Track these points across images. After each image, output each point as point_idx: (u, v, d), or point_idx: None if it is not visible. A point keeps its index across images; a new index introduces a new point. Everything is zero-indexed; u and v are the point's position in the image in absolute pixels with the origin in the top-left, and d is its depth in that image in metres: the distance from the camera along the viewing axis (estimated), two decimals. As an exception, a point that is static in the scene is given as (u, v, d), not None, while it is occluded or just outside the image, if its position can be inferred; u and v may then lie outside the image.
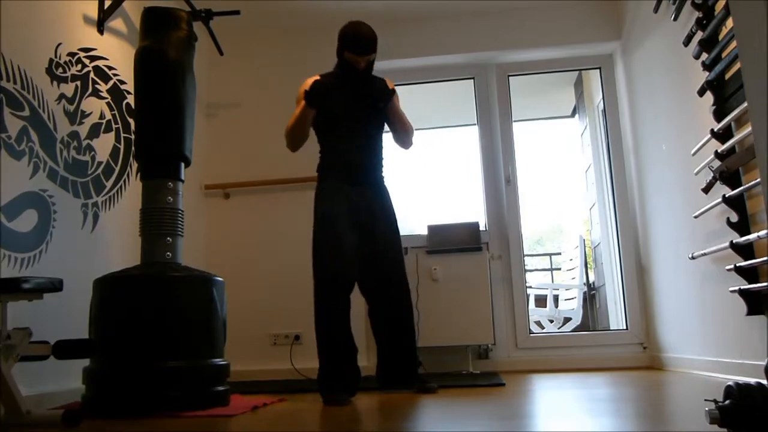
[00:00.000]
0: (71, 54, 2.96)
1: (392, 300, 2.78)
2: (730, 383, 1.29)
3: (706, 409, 1.29)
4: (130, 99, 3.36)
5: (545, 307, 5.53)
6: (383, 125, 2.94)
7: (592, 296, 5.87)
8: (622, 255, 4.19)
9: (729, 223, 2.63)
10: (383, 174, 2.94)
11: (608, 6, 4.26)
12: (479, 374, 3.55)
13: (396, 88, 2.97)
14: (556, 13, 4.30)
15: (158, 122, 2.63)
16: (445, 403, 2.44)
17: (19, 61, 2.58)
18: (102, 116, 3.16)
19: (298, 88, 4.43)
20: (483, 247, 3.96)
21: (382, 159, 2.95)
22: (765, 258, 2.38)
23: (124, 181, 3.29)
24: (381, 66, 4.46)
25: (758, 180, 2.40)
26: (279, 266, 4.18)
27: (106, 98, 3.22)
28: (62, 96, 2.86)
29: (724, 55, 2.67)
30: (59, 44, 2.88)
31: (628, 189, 4.20)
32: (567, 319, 5.45)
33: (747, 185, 2.53)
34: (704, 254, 2.90)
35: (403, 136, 2.93)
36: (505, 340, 4.03)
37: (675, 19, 3.15)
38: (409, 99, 3.06)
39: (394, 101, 2.87)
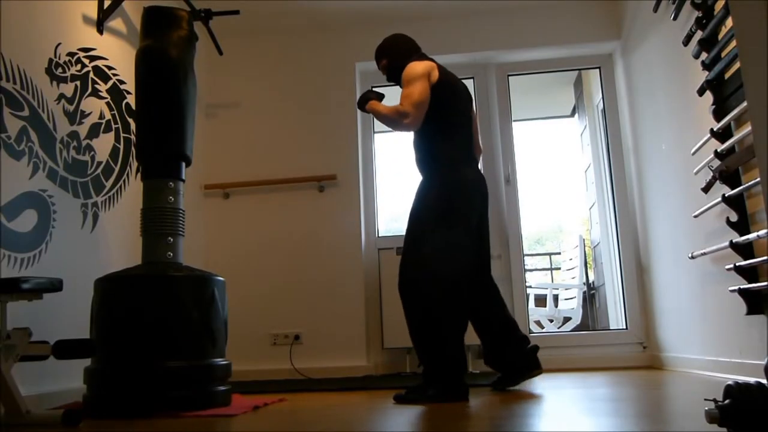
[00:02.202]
0: (71, 54, 2.96)
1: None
2: (729, 383, 1.29)
3: (706, 408, 1.29)
4: (130, 99, 3.36)
5: (545, 306, 5.53)
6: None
7: (591, 296, 5.87)
8: (621, 254, 4.19)
9: (729, 222, 2.64)
10: (429, 168, 2.75)
11: (608, 6, 4.26)
12: (479, 374, 3.55)
13: (378, 89, 2.87)
14: (555, 13, 4.30)
15: (160, 122, 2.63)
16: (444, 402, 2.44)
17: (18, 61, 2.58)
18: (102, 116, 3.16)
19: (297, 88, 4.46)
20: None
21: (423, 154, 2.79)
22: (764, 257, 2.38)
23: (124, 180, 3.29)
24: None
25: (758, 179, 2.40)
26: (279, 266, 4.18)
27: (106, 98, 3.22)
28: (62, 96, 2.86)
29: (723, 54, 2.67)
30: (59, 44, 2.88)
31: (628, 189, 4.20)
32: (567, 319, 5.45)
33: (746, 185, 2.53)
34: (704, 254, 2.90)
35: (394, 129, 2.79)
36: (505, 340, 4.02)
37: (674, 18, 3.15)
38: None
39: (370, 106, 2.77)
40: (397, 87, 2.87)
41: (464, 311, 2.66)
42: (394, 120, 2.66)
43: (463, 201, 2.68)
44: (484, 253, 2.83)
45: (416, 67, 2.71)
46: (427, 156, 2.78)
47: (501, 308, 2.84)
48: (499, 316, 2.82)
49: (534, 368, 2.76)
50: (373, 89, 2.87)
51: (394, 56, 2.89)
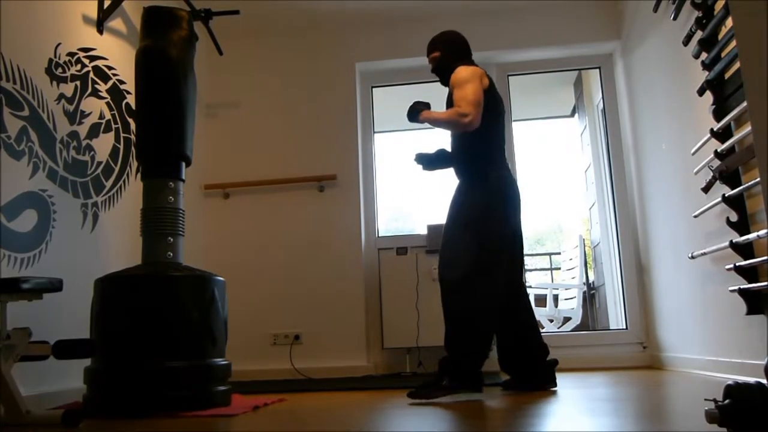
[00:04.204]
0: (71, 54, 2.96)
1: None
2: (729, 383, 1.29)
3: (706, 408, 1.29)
4: (130, 99, 3.36)
5: (545, 306, 5.53)
6: None
7: (591, 296, 5.87)
8: (621, 254, 4.19)
9: (729, 222, 2.64)
10: (470, 169, 2.81)
11: (608, 6, 4.26)
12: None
13: (425, 102, 2.83)
14: (555, 13, 4.30)
15: (159, 122, 2.63)
16: (444, 402, 2.44)
17: (18, 61, 2.58)
18: (101, 116, 3.16)
19: (297, 88, 4.46)
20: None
21: (464, 154, 2.83)
22: (765, 257, 2.38)
23: (124, 181, 3.29)
24: (380, 66, 4.49)
25: (758, 179, 2.40)
26: (279, 266, 4.18)
27: (106, 98, 3.22)
28: (62, 96, 2.86)
29: (723, 54, 2.67)
30: (59, 44, 2.88)
31: (628, 188, 4.20)
32: (567, 319, 5.45)
33: (746, 185, 2.53)
34: (704, 254, 2.90)
35: (455, 130, 2.80)
36: (505, 340, 4.02)
37: (674, 18, 3.15)
38: (408, 99, 3.02)
39: (424, 115, 2.76)
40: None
41: (498, 313, 2.67)
42: (455, 121, 2.67)
43: (503, 202, 2.74)
44: (519, 255, 2.86)
45: (467, 70, 2.75)
46: (470, 158, 2.82)
47: (528, 313, 2.85)
48: (524, 321, 2.83)
49: (549, 383, 2.76)
50: (419, 100, 2.84)
51: (449, 53, 2.90)
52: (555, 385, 2.76)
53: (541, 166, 11.20)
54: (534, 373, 2.78)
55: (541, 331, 5.22)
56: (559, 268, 6.88)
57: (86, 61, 3.08)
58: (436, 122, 2.77)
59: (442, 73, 2.90)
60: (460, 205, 2.78)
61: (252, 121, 4.43)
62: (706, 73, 2.80)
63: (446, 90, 2.89)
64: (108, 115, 3.22)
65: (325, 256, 4.17)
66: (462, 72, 2.75)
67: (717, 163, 2.72)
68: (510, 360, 2.82)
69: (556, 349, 3.99)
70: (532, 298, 5.49)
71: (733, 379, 1.41)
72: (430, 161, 2.93)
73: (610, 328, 4.65)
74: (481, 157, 2.79)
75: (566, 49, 4.38)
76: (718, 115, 2.73)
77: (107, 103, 3.22)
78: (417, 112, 2.79)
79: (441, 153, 2.91)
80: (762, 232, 2.36)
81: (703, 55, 2.83)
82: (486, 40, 4.36)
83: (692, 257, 3.03)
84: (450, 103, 2.80)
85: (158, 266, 2.50)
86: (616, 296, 4.47)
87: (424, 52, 3.02)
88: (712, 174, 2.75)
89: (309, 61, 4.47)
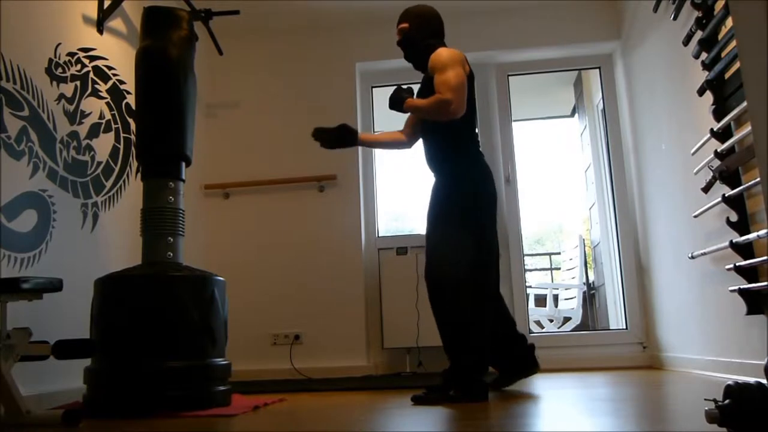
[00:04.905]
0: (71, 54, 2.96)
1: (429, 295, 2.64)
2: (729, 383, 1.29)
3: (706, 408, 1.29)
4: (130, 99, 3.36)
5: (545, 306, 5.53)
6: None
7: (591, 296, 5.87)
8: (621, 254, 4.19)
9: (729, 222, 2.64)
10: (450, 163, 2.66)
11: (608, 6, 4.26)
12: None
13: (409, 86, 2.72)
14: (555, 13, 4.30)
15: (159, 122, 2.63)
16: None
17: (18, 61, 2.58)
18: (102, 116, 3.16)
19: (297, 88, 4.46)
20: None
21: (443, 147, 2.69)
22: (764, 257, 2.38)
23: (124, 181, 3.29)
24: (380, 66, 4.49)
25: (758, 179, 2.40)
26: (279, 266, 4.18)
27: (106, 98, 3.22)
28: (62, 96, 2.86)
29: (723, 54, 2.67)
30: (59, 44, 2.88)
31: (628, 188, 4.20)
32: (567, 319, 5.45)
33: (746, 185, 2.53)
34: (704, 254, 2.90)
35: (438, 118, 2.58)
36: (505, 340, 4.02)
37: (674, 18, 3.15)
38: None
39: (408, 104, 2.61)
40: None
41: (491, 310, 2.62)
42: (437, 110, 2.51)
43: (486, 193, 2.65)
44: (497, 249, 2.76)
45: (448, 53, 2.58)
46: (452, 149, 2.68)
47: (502, 306, 2.82)
48: (501, 313, 2.80)
49: (533, 367, 2.77)
50: (401, 87, 2.69)
51: (419, 28, 2.73)
52: (539, 368, 2.79)
53: (541, 166, 11.21)
54: (517, 364, 2.77)
55: (541, 331, 5.30)
56: (559, 268, 6.88)
57: (86, 61, 3.08)
58: (420, 111, 2.62)
59: (408, 47, 2.76)
60: (443, 198, 2.65)
61: (252, 121, 4.43)
62: (706, 73, 2.80)
63: (410, 65, 2.80)
64: (108, 115, 3.22)
65: (325, 256, 4.17)
66: (443, 54, 2.57)
67: (717, 163, 2.72)
68: (494, 355, 2.74)
69: (556, 349, 4.02)
70: (532, 299, 5.57)
71: (733, 379, 1.41)
72: (330, 140, 2.82)
73: (610, 328, 4.65)
74: (468, 150, 2.67)
75: (566, 49, 4.38)
76: (718, 115, 2.73)
77: (107, 103, 3.22)
78: (401, 101, 2.63)
79: (342, 128, 2.81)
80: (762, 232, 2.36)
81: (703, 55, 2.83)
82: (486, 40, 4.36)
83: (692, 257, 3.03)
84: (427, 87, 2.65)
85: (158, 266, 2.50)
86: (616, 296, 4.47)
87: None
88: (712, 174, 2.75)
89: (309, 61, 4.47)
